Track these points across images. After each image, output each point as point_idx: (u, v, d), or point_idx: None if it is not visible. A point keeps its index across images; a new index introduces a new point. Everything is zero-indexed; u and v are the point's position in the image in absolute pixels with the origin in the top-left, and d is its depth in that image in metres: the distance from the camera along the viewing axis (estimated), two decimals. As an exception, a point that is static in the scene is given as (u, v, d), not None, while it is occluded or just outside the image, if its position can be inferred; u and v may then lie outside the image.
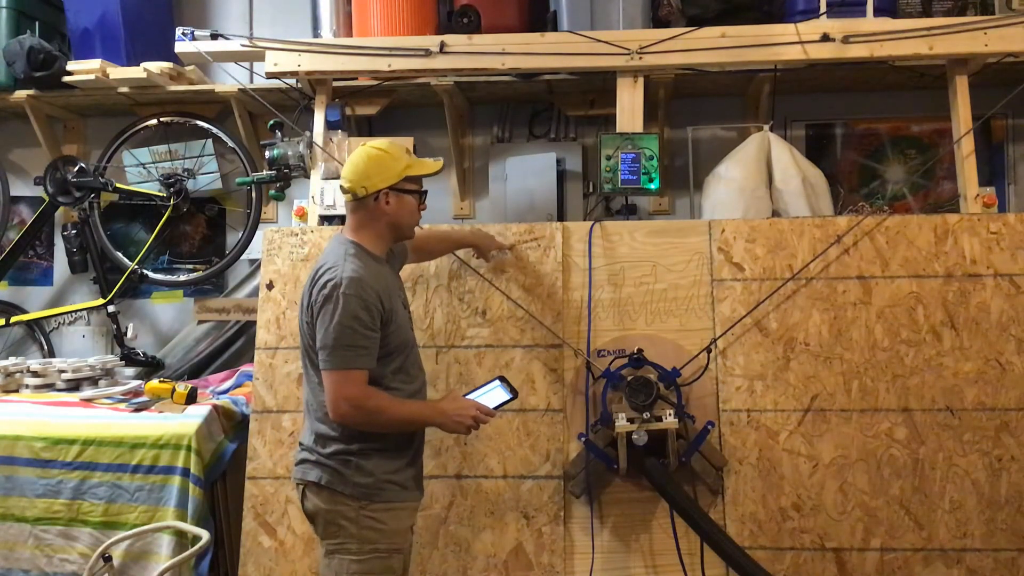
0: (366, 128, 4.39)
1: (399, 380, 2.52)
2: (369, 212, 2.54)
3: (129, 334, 4.12)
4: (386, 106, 4.21)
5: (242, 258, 4.39)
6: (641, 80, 3.51)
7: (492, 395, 2.60)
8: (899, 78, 3.98)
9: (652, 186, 3.43)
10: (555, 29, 3.86)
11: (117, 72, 4.09)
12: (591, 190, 4.29)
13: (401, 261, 2.85)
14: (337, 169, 3.51)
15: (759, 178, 3.63)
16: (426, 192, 2.66)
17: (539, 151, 4.25)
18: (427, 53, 3.54)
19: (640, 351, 3.04)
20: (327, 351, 2.41)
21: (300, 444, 2.59)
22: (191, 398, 3.33)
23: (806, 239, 3.16)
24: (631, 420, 2.90)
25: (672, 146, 4.29)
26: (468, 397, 2.58)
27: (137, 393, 3.57)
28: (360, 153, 2.57)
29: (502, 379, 2.64)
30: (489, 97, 4.34)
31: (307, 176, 3.56)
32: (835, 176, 4.23)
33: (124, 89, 4.18)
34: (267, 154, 3.56)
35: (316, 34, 4.23)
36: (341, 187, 2.59)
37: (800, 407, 3.05)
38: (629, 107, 3.50)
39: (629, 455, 2.89)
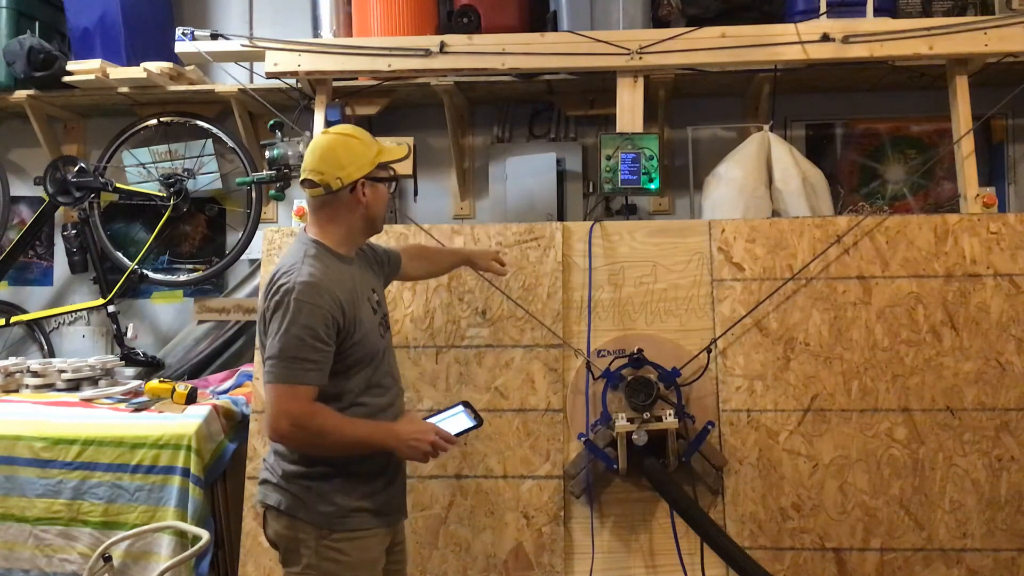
0: (366, 128, 4.38)
1: (370, 395, 2.32)
2: (343, 205, 2.33)
3: (129, 334, 4.12)
4: (386, 106, 4.21)
5: (242, 258, 4.39)
6: (641, 80, 3.51)
7: (454, 421, 2.41)
8: (899, 78, 3.98)
9: (652, 186, 3.43)
10: (555, 29, 3.86)
11: (117, 72, 4.09)
12: (591, 190, 4.29)
13: (389, 267, 2.67)
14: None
15: (759, 178, 3.63)
16: (396, 178, 2.48)
17: (539, 151, 4.25)
18: (427, 53, 3.54)
19: (640, 351, 3.04)
20: (272, 362, 2.18)
21: (263, 461, 2.40)
22: (191, 398, 3.33)
23: (806, 239, 3.16)
24: (631, 420, 2.91)
25: (672, 146, 4.30)
26: (429, 421, 2.37)
27: (137, 393, 3.57)
28: (328, 141, 2.35)
29: (466, 404, 2.45)
30: (489, 97, 4.34)
31: (307, 176, 3.55)
32: (835, 176, 4.23)
33: (124, 89, 4.18)
34: (267, 154, 3.56)
35: (316, 34, 4.23)
36: (307, 181, 2.33)
37: (800, 407, 3.05)
38: (629, 107, 3.50)
39: (629, 455, 2.89)
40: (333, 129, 2.43)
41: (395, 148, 2.43)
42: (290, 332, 2.16)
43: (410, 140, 3.59)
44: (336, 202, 2.33)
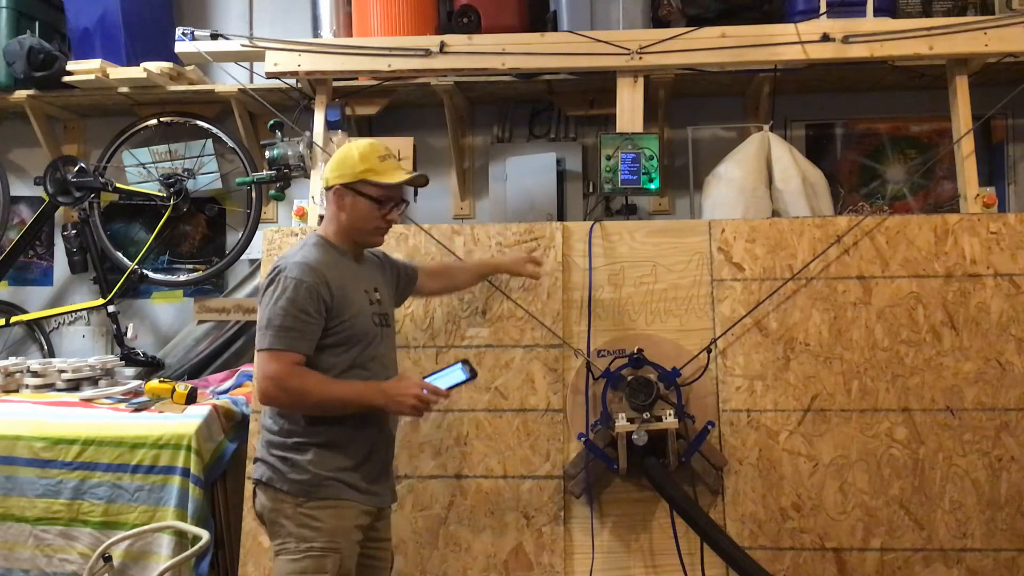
0: (366, 128, 4.39)
1: (352, 374, 2.43)
2: (332, 204, 2.54)
3: (129, 334, 4.12)
4: (386, 106, 4.21)
5: (242, 258, 4.39)
6: (641, 80, 3.51)
7: (448, 376, 2.51)
8: (899, 78, 3.98)
9: (652, 186, 3.43)
10: (555, 29, 3.86)
11: (117, 72, 4.09)
12: (591, 190, 4.29)
13: (405, 280, 2.83)
14: (337, 169, 3.51)
15: (759, 178, 3.63)
16: (396, 204, 2.56)
17: (539, 151, 4.25)
18: (427, 53, 3.54)
19: (640, 351, 3.04)
20: (261, 332, 2.37)
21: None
22: (191, 398, 3.33)
23: (806, 239, 3.16)
24: (631, 420, 2.91)
25: (672, 146, 4.30)
26: (425, 379, 2.49)
27: (137, 393, 3.57)
28: (345, 144, 2.60)
29: (464, 362, 2.53)
30: (489, 97, 4.34)
31: (307, 176, 3.55)
32: (835, 176, 4.23)
33: (124, 89, 4.18)
34: (267, 154, 3.55)
35: (316, 34, 4.23)
36: None
37: (800, 407, 3.05)
38: (629, 107, 3.50)
39: (629, 455, 2.89)
40: (363, 139, 2.67)
41: (394, 174, 2.53)
42: (277, 304, 2.35)
43: (410, 140, 3.61)
44: (329, 200, 2.56)
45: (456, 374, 2.50)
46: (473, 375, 2.52)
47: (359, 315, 2.47)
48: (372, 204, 2.50)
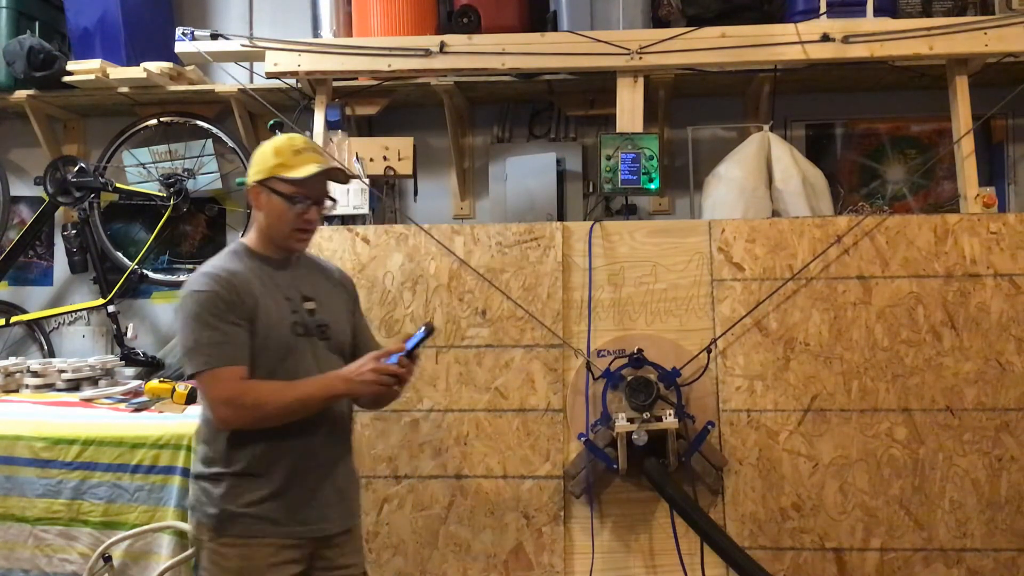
0: (366, 128, 4.39)
1: None
2: (252, 203, 2.37)
3: (129, 334, 4.12)
4: (386, 106, 4.21)
5: (242, 258, 4.39)
6: (641, 80, 3.51)
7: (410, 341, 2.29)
8: (899, 78, 3.98)
9: (652, 186, 3.43)
10: (555, 29, 3.86)
11: (117, 72, 4.09)
12: (591, 190, 4.29)
13: (343, 288, 2.52)
14: (337, 169, 3.50)
15: (759, 178, 3.63)
16: (315, 202, 2.33)
17: (539, 151, 4.25)
18: (427, 53, 3.54)
19: (640, 351, 3.04)
20: (187, 357, 2.20)
21: None
22: (191, 398, 3.33)
23: (806, 239, 3.16)
24: (631, 420, 2.91)
25: (672, 146, 4.29)
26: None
27: (137, 393, 3.57)
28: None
29: (427, 324, 2.32)
30: (489, 97, 4.34)
31: (307, 176, 3.55)
32: (835, 176, 4.23)
33: (124, 89, 4.18)
34: (267, 154, 3.55)
35: (316, 34, 4.22)
36: None
37: (800, 407, 3.05)
38: (629, 107, 3.50)
39: (629, 455, 2.89)
40: (283, 135, 2.46)
41: (304, 165, 2.30)
42: (194, 319, 2.19)
43: (410, 140, 3.61)
44: (250, 200, 2.39)
45: (416, 336, 2.27)
46: (430, 331, 2.28)
47: (273, 325, 2.26)
48: (285, 202, 2.29)
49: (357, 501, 2.47)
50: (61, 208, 4.41)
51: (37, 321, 4.48)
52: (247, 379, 2.20)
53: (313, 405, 2.23)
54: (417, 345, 2.26)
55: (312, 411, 2.24)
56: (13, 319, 4.40)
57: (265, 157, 2.32)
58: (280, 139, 2.36)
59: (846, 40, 3.40)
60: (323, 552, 2.30)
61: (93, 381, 3.79)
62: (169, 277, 4.47)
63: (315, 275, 2.46)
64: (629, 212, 3.83)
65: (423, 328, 2.28)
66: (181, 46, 3.67)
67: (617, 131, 3.49)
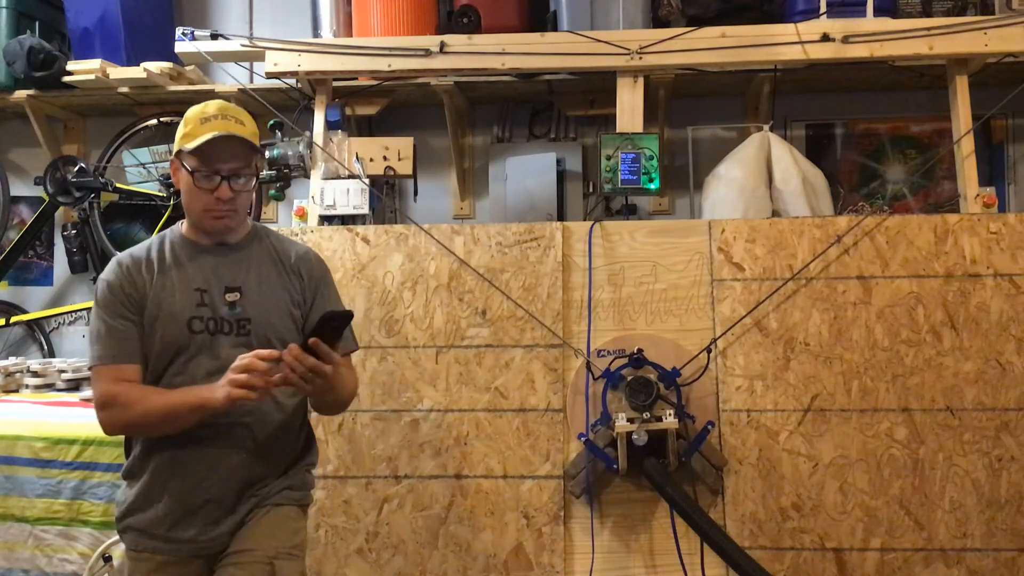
0: (366, 128, 4.40)
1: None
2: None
3: (129, 334, 4.12)
4: (386, 106, 4.21)
5: (242, 258, 4.39)
6: (641, 80, 3.51)
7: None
8: (899, 78, 3.98)
9: (652, 186, 3.43)
10: (555, 29, 3.86)
11: (117, 72, 4.09)
12: (591, 190, 4.29)
13: (295, 275, 2.24)
14: (337, 169, 3.51)
15: (759, 178, 3.63)
16: (226, 176, 2.09)
17: (539, 151, 4.25)
18: (427, 53, 3.54)
19: (640, 351, 3.04)
20: (88, 352, 2.11)
21: None
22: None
23: (806, 239, 3.16)
24: (631, 420, 2.91)
25: (672, 146, 4.30)
26: None
27: (137, 393, 3.56)
28: None
29: (326, 314, 2.00)
30: (489, 97, 4.34)
31: (307, 176, 3.56)
32: (835, 176, 4.23)
33: (124, 89, 4.18)
34: (267, 154, 3.55)
35: (316, 34, 4.23)
36: None
37: (800, 407, 3.05)
38: (629, 107, 3.50)
39: (629, 455, 2.89)
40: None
41: (200, 133, 2.09)
42: (94, 315, 2.10)
43: (410, 140, 3.60)
44: None
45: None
46: (331, 319, 1.96)
47: (163, 320, 2.07)
48: (190, 177, 2.10)
49: (278, 524, 2.14)
50: (61, 208, 4.41)
51: (37, 321, 4.48)
52: (129, 380, 2.04)
53: (181, 416, 2.01)
54: (318, 333, 1.93)
55: (183, 423, 2.02)
56: (13, 319, 4.40)
57: (180, 128, 2.14)
58: (195, 107, 2.17)
59: (846, 40, 3.40)
60: (223, 569, 2.07)
61: (93, 381, 3.79)
62: (169, 277, 4.46)
63: (257, 262, 2.21)
64: (629, 212, 3.83)
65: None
66: (181, 46, 3.67)
67: (617, 131, 3.49)
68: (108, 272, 2.12)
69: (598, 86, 3.98)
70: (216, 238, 2.18)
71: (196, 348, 2.09)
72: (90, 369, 2.10)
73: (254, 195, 2.29)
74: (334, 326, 1.97)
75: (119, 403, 2.03)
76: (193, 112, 2.14)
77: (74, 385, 3.73)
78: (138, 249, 2.17)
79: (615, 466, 2.92)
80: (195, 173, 2.09)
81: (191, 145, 2.08)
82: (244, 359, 1.95)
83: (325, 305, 2.23)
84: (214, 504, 2.10)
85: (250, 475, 2.14)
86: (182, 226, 2.21)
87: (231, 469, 2.11)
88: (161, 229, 4.30)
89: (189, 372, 2.07)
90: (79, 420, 3.31)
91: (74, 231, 4.39)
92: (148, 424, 2.04)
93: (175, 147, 2.15)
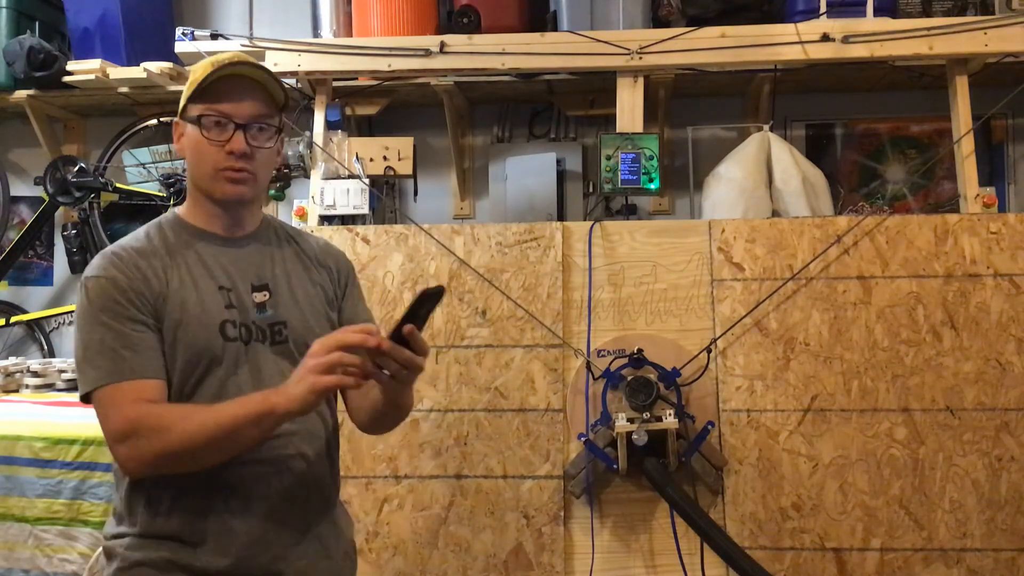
0: (366, 128, 4.39)
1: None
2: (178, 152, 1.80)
3: (129, 334, 4.11)
4: (386, 106, 4.21)
5: (242, 258, 4.38)
6: (641, 80, 3.51)
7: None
8: (899, 78, 3.98)
9: (652, 186, 3.43)
10: (555, 29, 3.86)
11: (117, 72, 4.09)
12: (591, 190, 4.29)
13: (324, 270, 1.87)
14: (337, 169, 3.51)
15: (759, 178, 3.63)
16: (241, 126, 1.68)
17: (539, 151, 4.25)
18: (427, 53, 3.54)
19: (640, 351, 3.04)
20: (79, 373, 1.63)
21: None
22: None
23: (806, 239, 3.16)
24: (631, 420, 2.91)
25: (672, 146, 4.29)
26: None
27: (137, 393, 3.56)
28: None
29: (425, 291, 1.56)
30: (489, 97, 4.34)
31: (307, 176, 3.56)
32: (835, 176, 4.23)
33: (124, 89, 4.17)
34: (267, 154, 3.55)
35: (316, 34, 4.22)
36: None
37: (800, 407, 3.05)
38: (629, 107, 3.50)
39: (629, 455, 2.89)
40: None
41: (211, 77, 1.68)
42: (80, 325, 1.64)
43: (410, 140, 3.60)
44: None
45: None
46: (428, 296, 1.54)
47: (189, 325, 1.63)
48: (197, 130, 1.68)
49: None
50: (61, 208, 4.41)
51: (37, 321, 4.47)
52: (153, 401, 1.57)
53: (241, 431, 1.52)
54: (412, 319, 1.53)
55: (242, 443, 1.54)
56: (13, 319, 4.40)
57: (189, 81, 1.73)
58: (204, 61, 1.75)
59: (846, 40, 3.40)
60: None
61: (93, 381, 3.78)
62: (169, 277, 4.46)
63: (280, 253, 1.82)
64: (629, 212, 3.83)
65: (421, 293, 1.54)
66: (181, 46, 3.67)
67: (617, 131, 3.49)
68: (104, 267, 1.65)
69: (598, 86, 3.98)
70: (230, 216, 1.75)
71: (233, 360, 1.66)
72: (87, 396, 1.63)
73: (274, 171, 1.87)
74: (428, 308, 1.55)
75: (149, 428, 1.52)
76: (201, 63, 1.73)
77: (74, 385, 3.72)
78: (134, 240, 1.72)
79: (615, 466, 2.92)
80: (203, 119, 1.67)
81: (198, 82, 1.68)
82: (331, 337, 1.51)
83: (356, 308, 1.89)
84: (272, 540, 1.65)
85: (308, 503, 1.72)
86: (180, 212, 1.77)
87: (306, 529, 1.69)
88: (161, 229, 4.37)
89: (229, 392, 1.62)
90: (79, 420, 3.31)
91: (74, 231, 4.39)
92: (193, 451, 1.52)
93: (182, 103, 1.74)
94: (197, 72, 1.71)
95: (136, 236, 1.74)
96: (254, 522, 1.64)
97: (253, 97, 1.71)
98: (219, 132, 1.67)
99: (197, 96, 1.69)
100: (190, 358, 1.63)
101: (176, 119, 1.75)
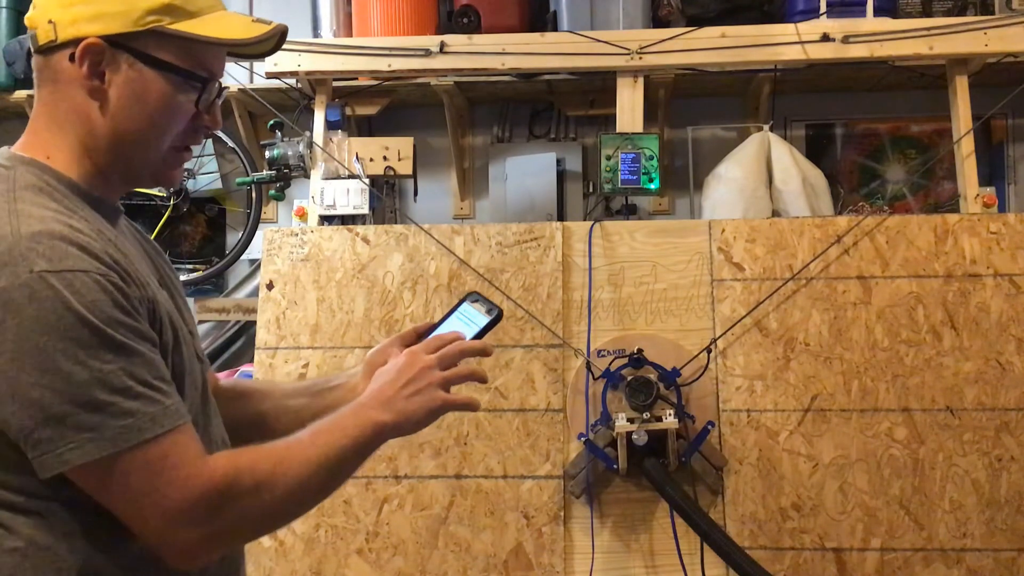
0: (366, 128, 4.40)
1: None
2: (64, 87, 1.25)
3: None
4: (386, 106, 4.21)
5: (242, 258, 4.39)
6: (641, 80, 3.51)
7: (465, 322, 1.48)
8: (899, 78, 3.98)
9: (652, 186, 3.43)
10: (555, 29, 3.86)
11: (117, 72, 4.09)
12: (591, 190, 4.29)
13: (166, 261, 1.44)
14: (337, 169, 3.51)
15: (759, 178, 3.63)
16: (221, 88, 1.25)
17: (539, 151, 4.26)
18: (427, 53, 3.54)
19: (640, 351, 3.04)
20: (65, 425, 0.99)
21: None
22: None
23: (806, 239, 3.16)
24: (631, 420, 2.91)
25: (672, 146, 4.30)
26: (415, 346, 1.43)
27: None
28: None
29: (472, 297, 1.51)
30: (489, 97, 4.34)
31: (307, 176, 3.56)
32: (835, 176, 4.23)
33: (124, 89, 4.17)
34: (267, 154, 3.56)
35: (316, 34, 4.23)
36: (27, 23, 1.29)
37: (800, 407, 3.05)
38: (629, 107, 3.50)
39: (629, 455, 2.89)
40: None
41: (215, 11, 1.19)
42: (57, 350, 1.00)
43: (410, 140, 3.61)
44: (50, 79, 1.27)
45: (474, 316, 1.48)
46: (496, 314, 1.49)
47: (177, 340, 1.17)
48: (173, 82, 1.17)
49: None
50: (61, 208, 4.40)
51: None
52: (208, 456, 1.09)
53: (348, 462, 1.19)
54: (485, 332, 1.48)
55: (346, 475, 1.23)
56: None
57: None
58: None
59: (846, 40, 3.40)
60: None
61: (93, 381, 3.77)
62: (169, 277, 4.46)
63: (141, 246, 1.38)
64: (629, 212, 3.83)
65: (481, 306, 1.48)
66: (181, 46, 3.66)
67: (617, 131, 3.49)
68: (81, 257, 1.06)
69: (598, 86, 3.98)
70: (118, 196, 1.32)
71: (206, 391, 1.26)
72: (105, 460, 1.00)
73: None
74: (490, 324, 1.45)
75: (245, 490, 1.07)
76: None
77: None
78: (57, 216, 1.11)
79: (615, 466, 2.92)
80: (192, 77, 1.17)
81: (214, 34, 1.16)
82: (453, 345, 1.31)
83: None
84: None
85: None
86: (61, 167, 1.23)
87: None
88: (161, 229, 4.37)
89: (210, 434, 1.23)
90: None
91: (74, 231, 4.39)
92: (300, 504, 1.17)
93: (119, 25, 1.17)
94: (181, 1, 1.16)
95: (44, 210, 1.11)
96: None
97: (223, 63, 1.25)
98: (206, 99, 1.20)
99: (188, 35, 1.14)
100: (192, 386, 1.20)
101: (105, 45, 1.16)
